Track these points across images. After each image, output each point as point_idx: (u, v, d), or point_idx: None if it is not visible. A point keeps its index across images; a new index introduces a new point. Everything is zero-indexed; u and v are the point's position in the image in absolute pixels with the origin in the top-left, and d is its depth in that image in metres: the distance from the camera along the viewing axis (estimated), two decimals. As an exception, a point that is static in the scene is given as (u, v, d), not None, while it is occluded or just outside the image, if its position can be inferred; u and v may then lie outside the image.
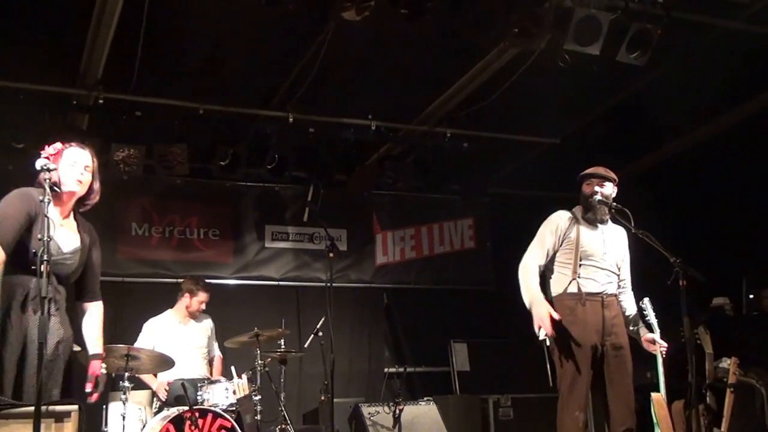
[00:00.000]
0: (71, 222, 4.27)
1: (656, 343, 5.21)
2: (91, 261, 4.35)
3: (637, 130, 8.27)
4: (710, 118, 8.23)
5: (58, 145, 4.23)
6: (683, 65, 6.96)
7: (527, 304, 5.06)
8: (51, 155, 4.16)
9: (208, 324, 7.34)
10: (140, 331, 7.01)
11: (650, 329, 5.27)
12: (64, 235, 4.14)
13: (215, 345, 7.41)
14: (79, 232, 4.25)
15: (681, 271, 4.84)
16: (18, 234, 3.96)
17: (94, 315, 4.41)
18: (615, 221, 5.35)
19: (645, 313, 5.28)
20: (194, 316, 7.20)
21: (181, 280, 7.45)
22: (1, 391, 3.83)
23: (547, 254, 5.23)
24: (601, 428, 5.26)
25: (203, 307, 7.19)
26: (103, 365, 4.34)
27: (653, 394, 5.26)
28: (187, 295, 7.17)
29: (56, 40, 6.58)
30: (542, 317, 4.93)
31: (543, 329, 4.94)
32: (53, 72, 7.07)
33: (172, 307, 7.23)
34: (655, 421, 5.23)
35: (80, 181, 4.15)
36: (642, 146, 8.88)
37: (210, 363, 7.30)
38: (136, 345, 6.85)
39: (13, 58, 6.63)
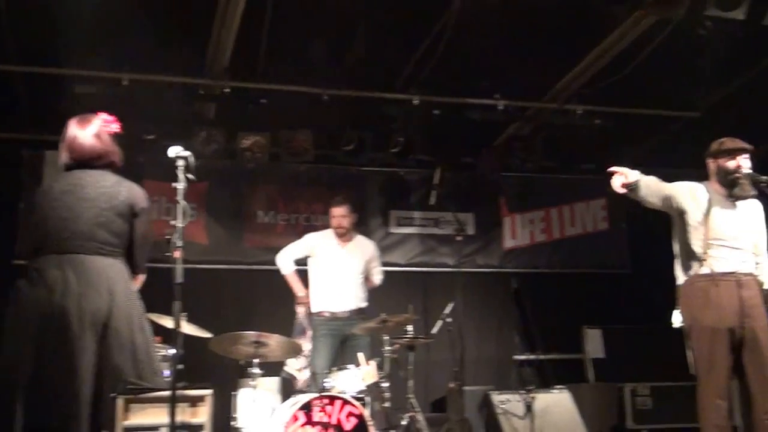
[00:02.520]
0: None
1: None
2: None
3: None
4: None
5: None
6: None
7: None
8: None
9: (370, 248, 7.37)
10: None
11: None
12: None
13: (377, 270, 7.39)
14: None
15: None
16: None
17: None
18: (759, 197, 5.06)
19: None
20: (343, 235, 7.18)
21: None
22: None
23: (672, 197, 4.98)
24: (748, 416, 4.94)
25: (343, 223, 7.16)
26: None
27: None
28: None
29: (182, 30, 6.66)
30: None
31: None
32: (180, 63, 7.18)
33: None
34: None
35: None
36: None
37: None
38: (291, 247, 7.24)
39: (141, 50, 6.75)
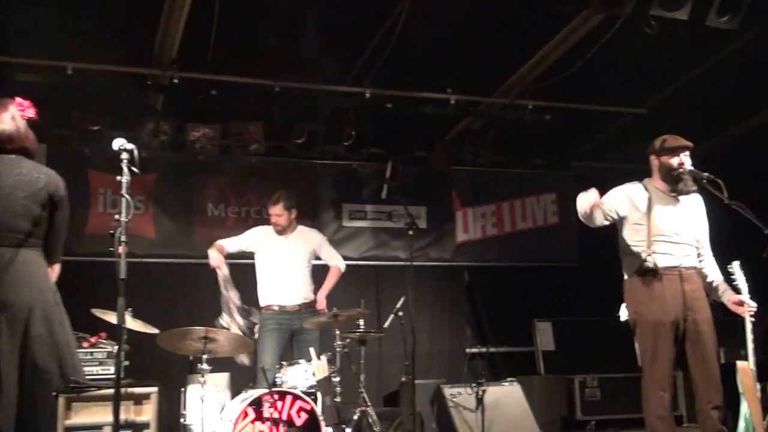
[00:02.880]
0: None
1: (744, 304, 4.97)
2: None
3: (728, 99, 7.86)
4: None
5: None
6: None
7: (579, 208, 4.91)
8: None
9: (313, 237, 7.29)
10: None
11: (738, 292, 5.03)
12: None
13: (332, 254, 7.34)
14: None
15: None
16: None
17: None
18: (699, 192, 5.17)
19: (733, 276, 5.05)
20: (284, 231, 7.09)
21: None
22: None
23: (610, 212, 5.06)
24: (692, 406, 5.05)
25: (279, 221, 7.03)
26: None
27: (739, 363, 5.05)
28: None
29: (130, 20, 6.55)
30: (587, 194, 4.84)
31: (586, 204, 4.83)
32: (127, 53, 7.07)
33: None
34: (741, 391, 5.00)
35: None
36: (733, 115, 8.50)
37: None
38: (234, 238, 7.18)
39: (87, 39, 6.62)
